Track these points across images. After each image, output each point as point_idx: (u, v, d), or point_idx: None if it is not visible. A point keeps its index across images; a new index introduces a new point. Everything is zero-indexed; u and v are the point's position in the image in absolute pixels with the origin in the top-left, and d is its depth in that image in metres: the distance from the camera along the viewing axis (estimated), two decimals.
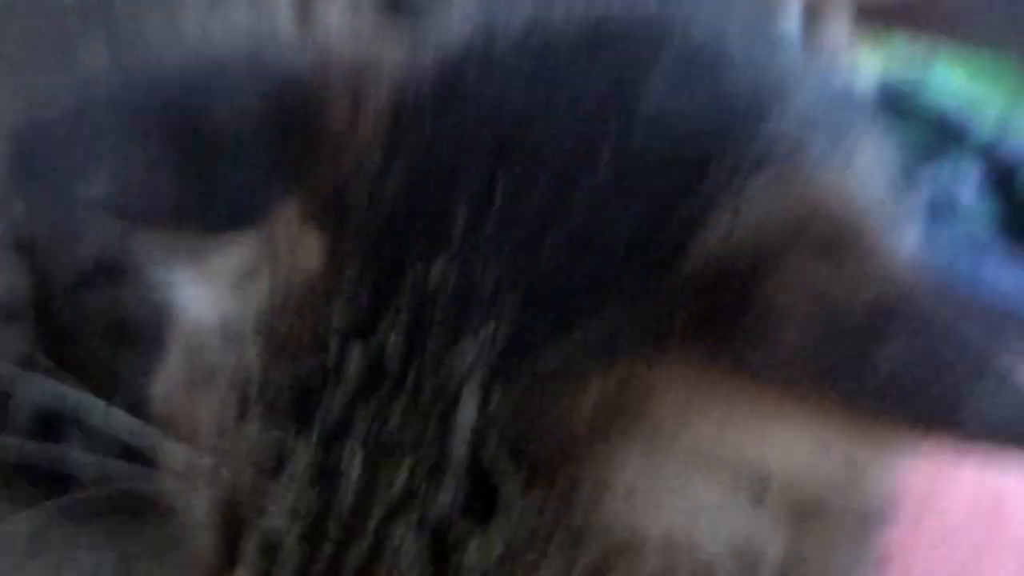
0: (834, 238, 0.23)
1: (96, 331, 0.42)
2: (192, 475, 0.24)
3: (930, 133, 0.62)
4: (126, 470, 0.25)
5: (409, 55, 0.26)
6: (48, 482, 0.39)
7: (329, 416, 0.23)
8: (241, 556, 0.24)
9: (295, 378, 0.23)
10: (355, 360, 0.23)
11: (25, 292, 0.42)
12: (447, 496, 0.22)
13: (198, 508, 0.24)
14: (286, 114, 0.24)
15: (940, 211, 0.59)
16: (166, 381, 0.27)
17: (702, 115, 0.25)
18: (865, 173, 0.27)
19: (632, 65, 0.26)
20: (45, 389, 0.35)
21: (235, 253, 0.25)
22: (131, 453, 0.26)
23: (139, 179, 0.23)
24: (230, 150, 0.23)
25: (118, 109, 0.24)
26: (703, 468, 0.23)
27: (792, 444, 0.22)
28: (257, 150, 0.24)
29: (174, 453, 0.25)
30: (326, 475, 0.23)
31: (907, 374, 0.20)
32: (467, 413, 0.22)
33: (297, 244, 0.24)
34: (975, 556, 0.36)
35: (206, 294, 0.26)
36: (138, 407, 0.28)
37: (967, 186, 0.60)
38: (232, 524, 0.24)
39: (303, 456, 0.23)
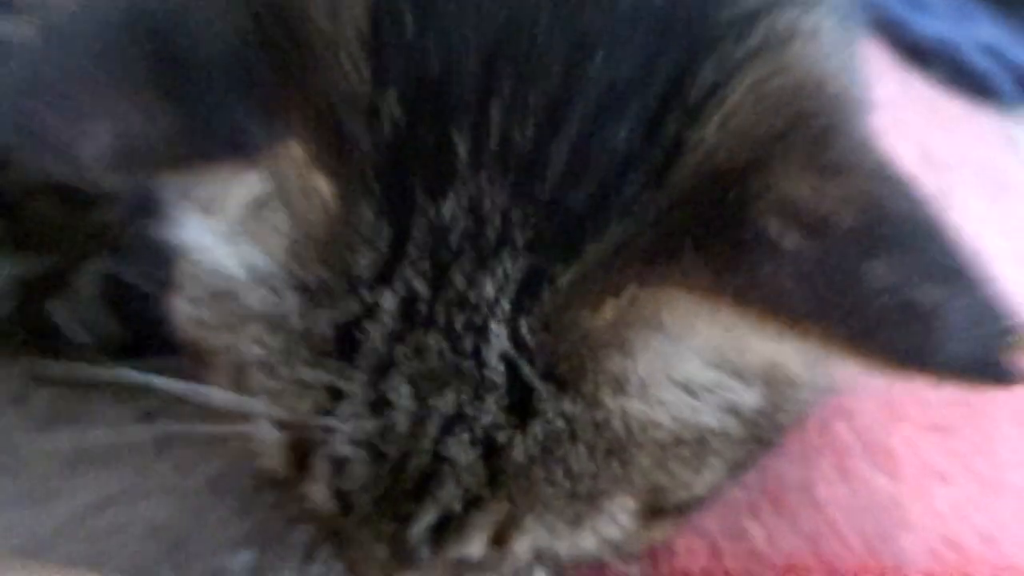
0: (814, 148, 0.24)
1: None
2: (244, 411, 0.26)
3: None
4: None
5: None
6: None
7: (372, 356, 0.24)
8: (312, 473, 0.26)
9: (334, 323, 0.24)
10: (386, 303, 0.24)
11: None
12: (490, 410, 0.24)
13: (261, 435, 0.26)
14: (268, 28, 0.24)
15: None
16: (190, 317, 0.28)
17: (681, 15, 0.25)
18: (833, 49, 0.28)
19: None
20: None
21: (240, 186, 0.25)
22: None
23: (137, 128, 0.22)
24: (217, 77, 0.23)
25: (103, 58, 0.23)
26: (704, 361, 0.25)
27: (780, 349, 0.23)
28: (244, 73, 0.23)
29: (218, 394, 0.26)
30: (378, 406, 0.24)
31: (887, 304, 0.21)
32: (497, 341, 0.24)
33: (307, 187, 0.24)
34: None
35: (217, 228, 0.26)
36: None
37: None
38: (299, 448, 0.26)
39: (355, 392, 0.24)
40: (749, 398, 0.26)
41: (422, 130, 0.24)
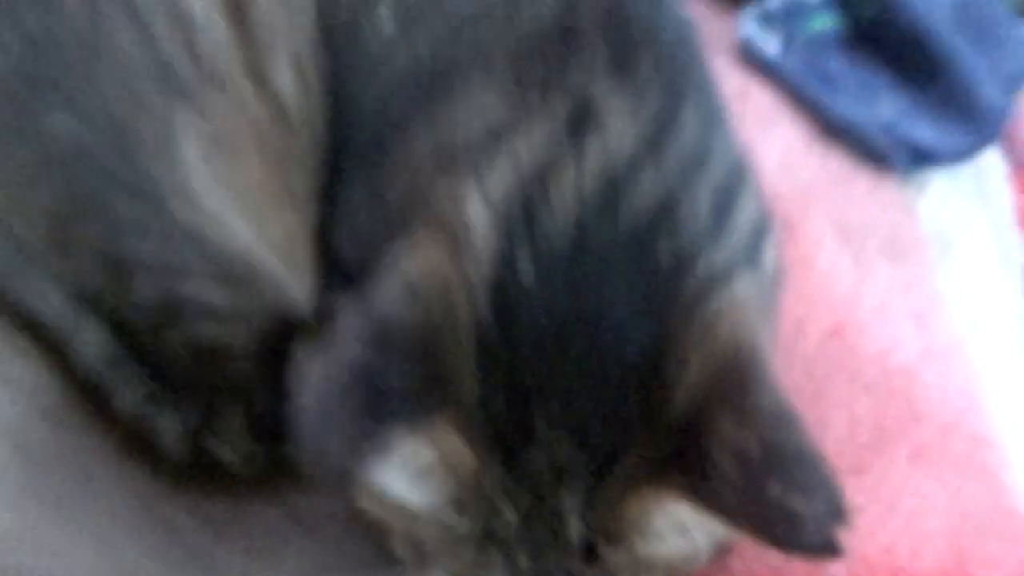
0: (738, 398, 0.38)
1: None
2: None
3: None
4: None
5: (470, 289, 0.40)
6: None
7: (504, 540, 0.40)
8: None
9: (481, 528, 0.40)
10: (512, 521, 0.40)
11: None
12: (572, 556, 0.40)
13: None
14: (423, 363, 0.38)
15: (794, 13, 0.75)
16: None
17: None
18: (753, 315, 0.42)
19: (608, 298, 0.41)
20: None
21: (411, 447, 0.38)
22: None
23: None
24: (399, 381, 0.38)
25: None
26: (684, 527, 0.40)
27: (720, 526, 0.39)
28: (409, 375, 0.38)
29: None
30: (510, 566, 0.40)
31: (777, 510, 0.36)
32: (574, 526, 0.39)
33: (456, 454, 0.39)
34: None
35: (402, 478, 0.40)
36: None
37: None
38: None
39: (497, 561, 0.40)
40: (704, 542, 0.42)
41: (515, 414, 0.39)
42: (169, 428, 0.59)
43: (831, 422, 0.55)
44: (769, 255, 0.48)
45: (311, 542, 0.59)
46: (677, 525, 0.40)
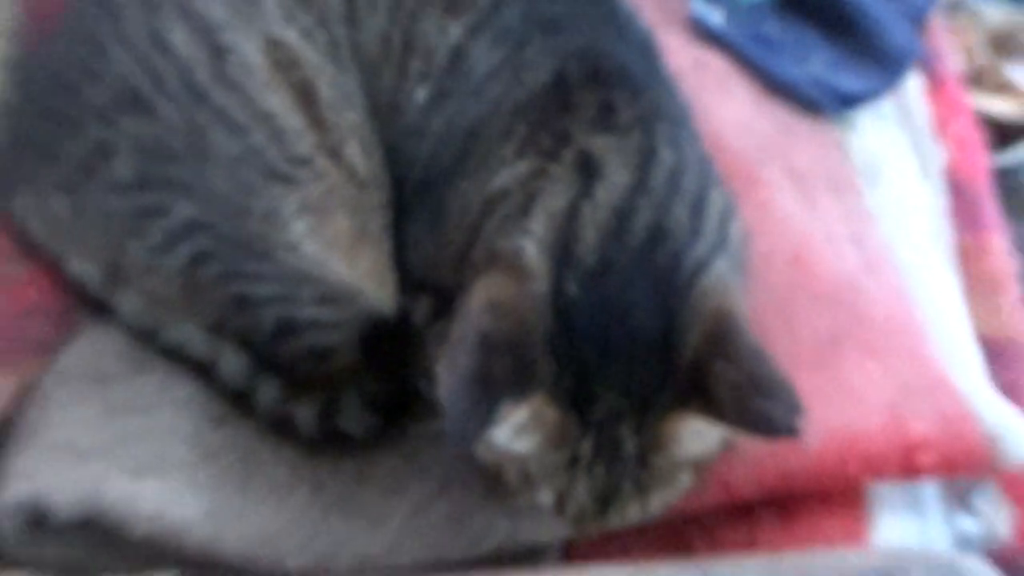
0: (726, 344, 0.57)
1: None
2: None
3: None
4: None
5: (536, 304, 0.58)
6: None
7: (584, 465, 0.58)
8: (566, 507, 0.60)
9: (567, 456, 0.58)
10: (588, 449, 0.58)
11: None
12: (629, 465, 0.58)
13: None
14: (508, 350, 0.56)
15: None
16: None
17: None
18: (723, 278, 0.61)
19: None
20: None
21: (516, 414, 0.56)
22: None
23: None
24: (500, 373, 0.55)
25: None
26: (699, 434, 0.59)
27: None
28: (506, 367, 0.55)
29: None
30: (593, 479, 0.58)
31: (760, 413, 0.55)
32: (628, 445, 0.58)
33: (549, 418, 0.57)
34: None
35: (510, 434, 0.58)
36: None
37: None
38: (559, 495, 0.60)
39: (580, 478, 0.58)
40: (715, 442, 0.61)
41: (581, 383, 0.57)
42: (301, 415, 0.78)
43: (797, 330, 0.73)
44: (735, 229, 0.66)
45: (424, 479, 0.78)
46: (697, 433, 0.59)
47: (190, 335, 0.77)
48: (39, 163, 0.74)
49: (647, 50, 0.73)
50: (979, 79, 1.81)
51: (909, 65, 0.86)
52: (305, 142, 0.70)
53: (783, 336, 0.73)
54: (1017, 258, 0.87)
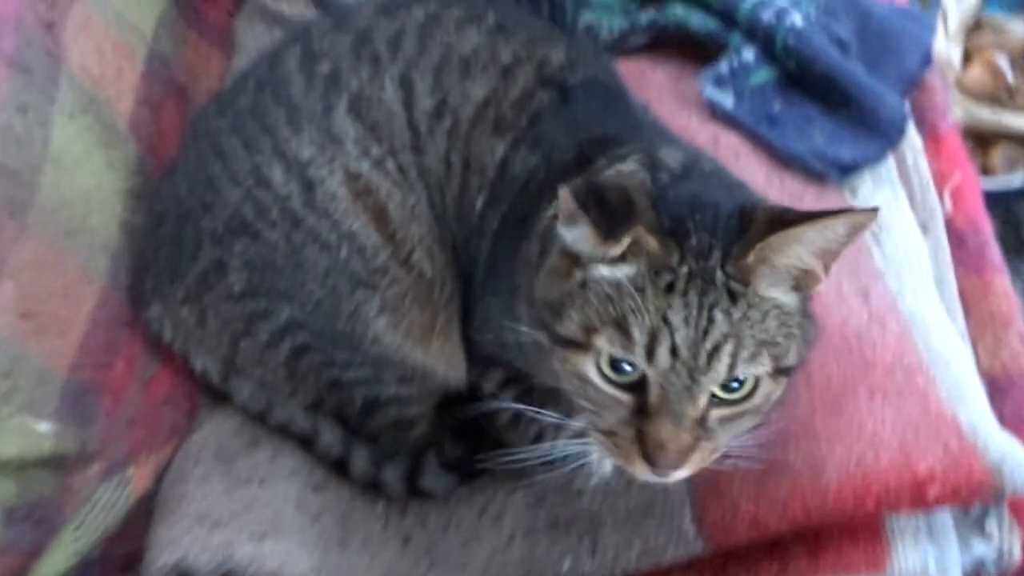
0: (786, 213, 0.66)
1: None
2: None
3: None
4: None
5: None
6: None
7: (681, 292, 0.64)
8: (657, 356, 0.64)
9: (663, 283, 0.64)
10: (684, 275, 0.64)
11: None
12: (720, 295, 0.64)
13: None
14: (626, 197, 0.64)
15: (739, 72, 1.02)
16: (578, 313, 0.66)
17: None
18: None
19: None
20: None
21: (616, 247, 0.62)
22: None
23: None
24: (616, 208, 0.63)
25: None
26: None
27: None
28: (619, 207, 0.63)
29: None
30: (687, 307, 0.63)
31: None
32: (718, 275, 0.64)
33: (650, 245, 0.62)
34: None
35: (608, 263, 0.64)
36: None
37: (749, 52, 1.02)
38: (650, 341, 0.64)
39: (677, 305, 0.63)
40: (795, 298, 0.67)
41: (681, 225, 0.65)
42: (390, 478, 0.91)
43: (814, 379, 0.84)
44: None
45: (497, 528, 0.90)
46: (774, 274, 0.65)
47: (293, 414, 0.92)
48: (168, 279, 0.89)
49: (657, 130, 0.87)
50: (1006, 97, 1.87)
51: (901, 132, 0.96)
52: (381, 255, 0.84)
53: (802, 386, 0.84)
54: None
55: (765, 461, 0.73)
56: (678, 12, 1.05)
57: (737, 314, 0.64)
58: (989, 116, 1.82)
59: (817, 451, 0.79)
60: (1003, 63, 1.86)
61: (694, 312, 0.63)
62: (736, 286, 0.65)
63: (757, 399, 0.68)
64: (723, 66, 1.02)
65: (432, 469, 0.90)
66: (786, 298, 0.67)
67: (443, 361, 0.88)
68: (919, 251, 0.92)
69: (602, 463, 0.82)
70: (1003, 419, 0.83)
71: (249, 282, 0.86)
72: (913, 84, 0.99)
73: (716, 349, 0.64)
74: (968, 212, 0.97)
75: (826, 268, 0.68)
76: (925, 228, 0.96)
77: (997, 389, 0.87)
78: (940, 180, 1.00)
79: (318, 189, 0.84)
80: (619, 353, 0.65)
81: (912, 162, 0.99)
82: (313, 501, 0.90)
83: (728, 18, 1.02)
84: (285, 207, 0.84)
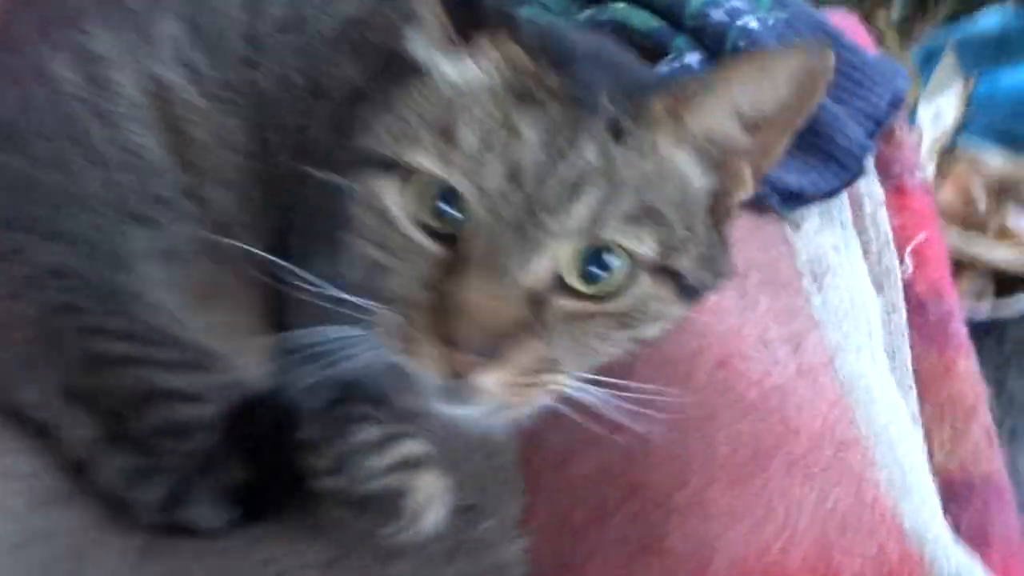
0: None
1: None
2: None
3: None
4: None
5: None
6: None
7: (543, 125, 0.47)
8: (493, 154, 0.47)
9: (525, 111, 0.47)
10: (545, 108, 0.47)
11: None
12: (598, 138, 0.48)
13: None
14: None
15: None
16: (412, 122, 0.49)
17: None
18: None
19: None
20: None
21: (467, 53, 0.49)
22: None
23: None
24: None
25: None
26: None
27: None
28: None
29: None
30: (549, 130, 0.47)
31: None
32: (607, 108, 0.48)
33: (516, 57, 0.48)
34: None
35: (456, 67, 0.50)
36: None
37: (693, 56, 0.85)
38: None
39: (539, 124, 0.47)
40: (706, 182, 0.51)
41: (564, 67, 0.49)
42: (144, 500, 0.67)
43: (716, 443, 0.63)
44: None
45: None
46: (683, 134, 0.49)
47: (34, 393, 0.68)
48: None
49: None
50: (980, 226, 1.75)
51: (860, 164, 0.79)
52: (168, 181, 0.64)
53: (700, 445, 0.63)
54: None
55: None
56: (619, 9, 0.90)
57: (618, 153, 0.47)
58: (957, 242, 1.70)
59: (707, 532, 0.59)
60: (977, 190, 1.76)
61: (553, 128, 0.47)
62: (626, 123, 0.48)
63: (627, 300, 0.49)
64: (663, 69, 0.85)
65: (204, 497, 0.67)
66: (693, 172, 0.50)
67: (240, 345, 0.66)
68: (868, 307, 0.74)
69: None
70: (958, 530, 0.62)
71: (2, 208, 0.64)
72: (879, 125, 0.83)
73: (577, 187, 0.46)
74: (931, 277, 0.79)
75: (755, 170, 0.51)
76: (879, 287, 0.78)
77: (953, 494, 0.68)
78: (902, 237, 0.83)
79: (111, 92, 0.65)
80: (436, 167, 0.46)
81: (871, 212, 0.83)
82: (30, 520, 0.66)
83: (674, 19, 0.87)
84: (65, 112, 0.64)
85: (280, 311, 0.65)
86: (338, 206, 0.53)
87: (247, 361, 0.67)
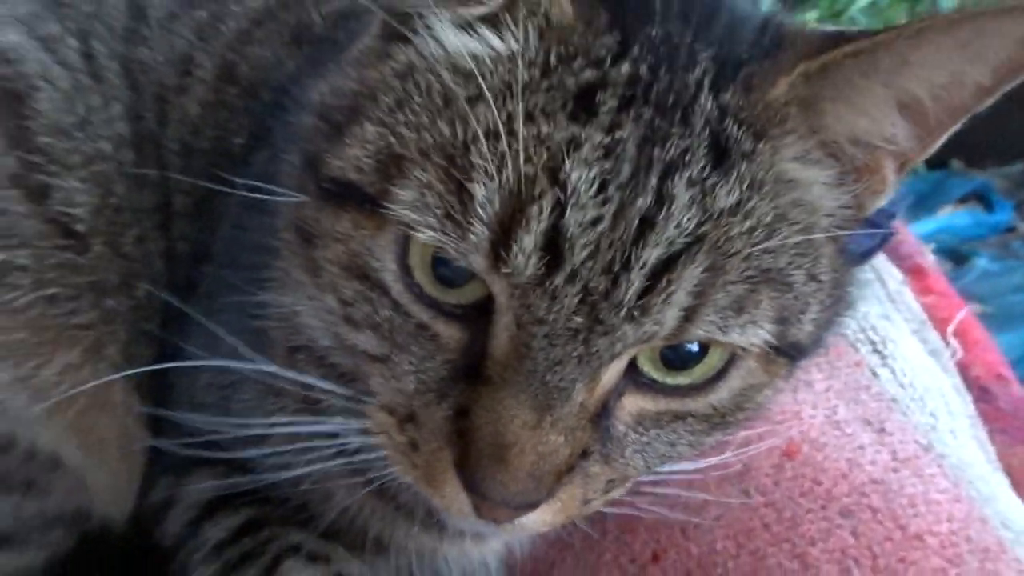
0: None
1: None
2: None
3: None
4: None
5: None
6: None
7: (607, 116, 0.30)
8: (528, 219, 0.31)
9: (572, 88, 0.30)
10: (618, 76, 0.31)
11: None
12: (699, 158, 0.31)
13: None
14: None
15: None
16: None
17: None
18: None
19: None
20: None
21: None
22: None
23: None
24: None
25: None
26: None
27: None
28: None
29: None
30: (610, 152, 0.30)
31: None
32: (702, 106, 0.31)
33: (559, 9, 0.32)
34: None
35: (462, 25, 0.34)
36: None
37: None
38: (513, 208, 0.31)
39: (591, 140, 0.30)
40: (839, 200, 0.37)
41: (631, 17, 0.33)
42: None
43: (818, 562, 0.44)
44: None
45: None
46: (817, 134, 0.35)
47: None
48: None
49: None
50: None
51: (891, 223, 0.67)
52: None
53: (789, 561, 0.43)
54: None
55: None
56: None
57: (724, 195, 0.32)
58: None
59: None
60: None
61: (626, 168, 0.30)
62: (734, 135, 0.32)
63: (722, 392, 0.34)
64: None
65: None
66: (821, 191, 0.35)
67: (94, 443, 0.43)
68: (941, 383, 0.59)
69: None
70: None
71: None
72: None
73: (659, 271, 0.31)
74: (985, 360, 0.65)
75: (902, 165, 0.36)
76: (938, 362, 0.63)
77: None
78: (935, 319, 0.69)
79: None
80: (432, 228, 0.31)
81: (895, 289, 0.70)
82: None
83: None
84: None
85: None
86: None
87: (109, 480, 0.44)
